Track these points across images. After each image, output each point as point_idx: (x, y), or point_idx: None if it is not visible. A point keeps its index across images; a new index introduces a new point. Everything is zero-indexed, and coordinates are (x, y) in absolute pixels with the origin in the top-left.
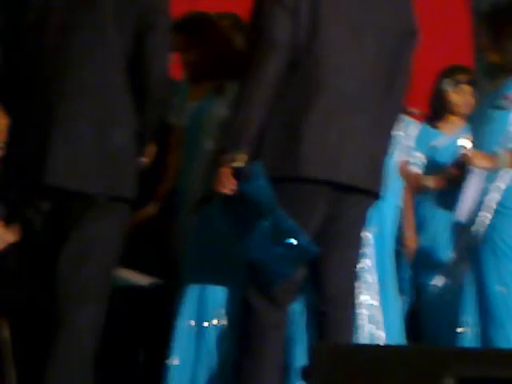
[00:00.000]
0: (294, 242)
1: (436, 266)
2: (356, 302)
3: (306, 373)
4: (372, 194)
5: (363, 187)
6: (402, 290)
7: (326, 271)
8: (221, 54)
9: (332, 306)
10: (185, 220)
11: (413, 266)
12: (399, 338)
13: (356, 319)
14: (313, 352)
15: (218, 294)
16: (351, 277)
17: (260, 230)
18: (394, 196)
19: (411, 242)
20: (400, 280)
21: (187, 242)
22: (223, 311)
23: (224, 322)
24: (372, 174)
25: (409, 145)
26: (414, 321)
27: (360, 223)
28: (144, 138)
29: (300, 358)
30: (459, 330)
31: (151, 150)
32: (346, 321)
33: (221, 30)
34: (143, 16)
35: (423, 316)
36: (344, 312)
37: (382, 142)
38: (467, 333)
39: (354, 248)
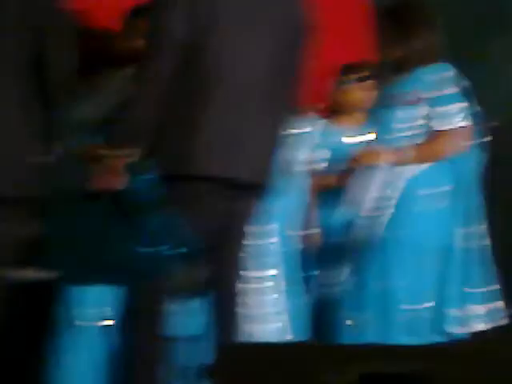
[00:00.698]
0: (177, 239)
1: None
2: (261, 298)
3: (206, 372)
4: (262, 190)
5: (255, 183)
6: (305, 287)
7: (216, 267)
8: (95, 50)
9: (218, 302)
10: (55, 217)
11: (316, 262)
12: (305, 335)
13: (263, 317)
14: (213, 351)
15: (98, 294)
16: (236, 271)
17: (145, 227)
18: (300, 193)
19: (314, 238)
20: (304, 277)
21: (59, 240)
22: (105, 311)
23: (106, 322)
24: (264, 170)
25: (312, 141)
26: (318, 317)
27: (248, 218)
28: (51, 136)
29: (200, 357)
30: (348, 324)
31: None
32: (229, 317)
33: (92, 25)
34: (44, 16)
35: (324, 312)
36: (227, 307)
37: (274, 138)
38: (360, 329)
39: (239, 242)
